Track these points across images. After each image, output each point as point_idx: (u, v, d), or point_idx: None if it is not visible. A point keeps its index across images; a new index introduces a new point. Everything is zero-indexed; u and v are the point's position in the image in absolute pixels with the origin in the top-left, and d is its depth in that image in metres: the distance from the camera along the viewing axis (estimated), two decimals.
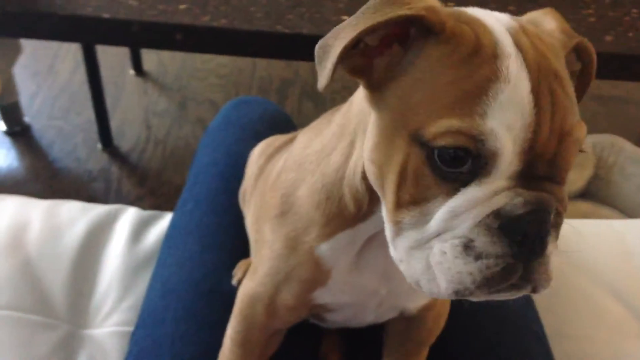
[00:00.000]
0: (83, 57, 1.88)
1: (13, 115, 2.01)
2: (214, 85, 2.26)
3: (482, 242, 0.45)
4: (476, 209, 0.45)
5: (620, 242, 1.01)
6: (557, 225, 0.47)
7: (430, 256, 0.47)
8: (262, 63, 2.34)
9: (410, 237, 0.48)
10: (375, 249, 0.58)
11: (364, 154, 0.51)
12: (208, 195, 0.89)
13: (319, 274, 0.60)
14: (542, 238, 0.45)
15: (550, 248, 0.46)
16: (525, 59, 0.46)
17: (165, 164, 1.97)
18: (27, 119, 2.06)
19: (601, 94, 2.33)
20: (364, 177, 0.53)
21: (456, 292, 0.46)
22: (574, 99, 0.48)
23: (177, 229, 0.88)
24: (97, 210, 1.00)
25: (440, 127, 0.45)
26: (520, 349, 0.78)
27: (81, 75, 2.19)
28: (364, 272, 0.59)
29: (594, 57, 0.54)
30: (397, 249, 0.50)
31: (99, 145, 2.00)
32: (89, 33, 1.47)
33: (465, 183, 0.46)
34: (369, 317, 0.67)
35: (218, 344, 0.71)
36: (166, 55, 2.36)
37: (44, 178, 1.91)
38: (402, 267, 0.50)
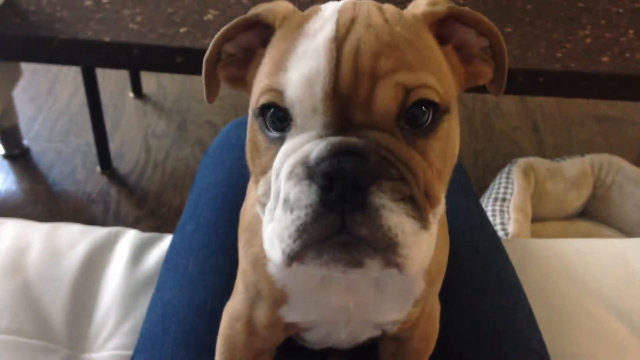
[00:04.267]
0: (83, 80, 1.89)
1: (12, 139, 2.02)
2: (214, 107, 2.27)
3: (293, 194, 0.44)
4: (287, 161, 0.45)
5: (622, 261, 1.01)
6: (391, 177, 0.44)
7: (273, 223, 0.47)
8: None
9: (267, 210, 0.48)
10: None
11: None
12: (209, 216, 0.89)
13: (275, 292, 0.60)
14: (358, 184, 0.43)
15: (377, 200, 0.43)
16: (339, 17, 0.47)
17: (164, 185, 1.97)
18: (26, 142, 2.07)
19: (598, 113, 2.35)
20: None
21: (283, 252, 0.45)
22: (402, 48, 0.46)
23: (177, 251, 0.87)
24: (96, 232, 1.00)
25: (258, 90, 0.48)
26: None
27: (80, 98, 2.20)
28: (328, 288, 0.58)
29: (486, 22, 0.52)
30: (263, 226, 0.50)
31: (98, 168, 2.00)
32: (89, 56, 1.48)
33: (285, 140, 0.47)
34: (341, 334, 0.66)
35: None
36: (166, 77, 2.37)
37: (42, 201, 1.91)
38: (263, 243, 0.49)
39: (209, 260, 0.83)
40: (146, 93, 2.30)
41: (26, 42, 1.46)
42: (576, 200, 1.67)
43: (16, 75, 1.85)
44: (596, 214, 1.70)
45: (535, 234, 1.57)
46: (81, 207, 1.89)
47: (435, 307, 0.70)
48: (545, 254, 1.01)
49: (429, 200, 0.47)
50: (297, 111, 0.45)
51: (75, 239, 0.98)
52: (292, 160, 0.45)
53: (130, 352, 0.85)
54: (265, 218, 0.49)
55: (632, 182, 1.64)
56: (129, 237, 1.00)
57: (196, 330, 0.76)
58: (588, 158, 1.68)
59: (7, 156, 2.02)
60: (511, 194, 1.56)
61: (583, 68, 1.43)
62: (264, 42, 0.53)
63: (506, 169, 1.66)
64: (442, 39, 0.52)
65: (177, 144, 2.11)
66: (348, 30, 0.46)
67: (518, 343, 0.80)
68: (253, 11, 0.53)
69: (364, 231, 0.43)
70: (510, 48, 1.44)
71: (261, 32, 0.52)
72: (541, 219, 1.65)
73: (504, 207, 1.54)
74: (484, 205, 1.57)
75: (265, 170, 0.49)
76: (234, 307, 0.66)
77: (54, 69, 2.35)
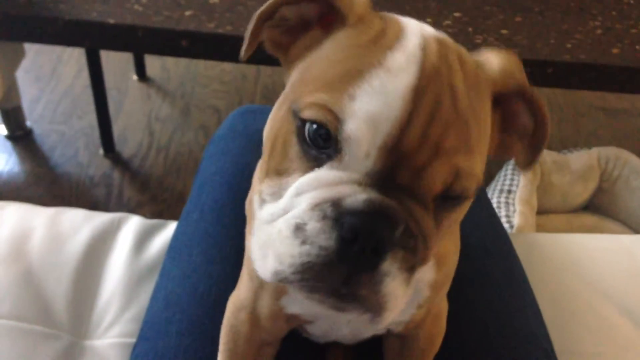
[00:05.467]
0: (87, 62, 1.87)
1: (15, 120, 2.00)
2: (218, 91, 2.25)
3: (311, 227, 0.42)
4: (317, 191, 0.43)
5: (629, 257, 1.00)
6: (409, 249, 0.43)
7: (271, 233, 0.45)
8: (266, 70, 2.34)
9: (267, 210, 0.47)
10: None
11: None
12: (214, 205, 0.88)
13: None
14: (377, 248, 0.42)
15: (387, 267, 0.43)
16: (423, 61, 0.44)
17: (167, 170, 1.96)
18: (29, 123, 2.06)
19: (606, 106, 2.33)
20: None
21: (275, 273, 0.44)
22: (470, 125, 0.44)
23: (181, 240, 0.87)
24: (100, 218, 0.99)
25: (311, 99, 0.44)
26: None
27: (84, 79, 2.18)
28: None
29: (545, 112, 0.51)
30: (256, 221, 0.48)
31: (101, 151, 1.99)
32: (94, 38, 1.46)
33: (320, 164, 0.44)
34: (344, 330, 0.65)
35: None
36: (170, 61, 2.35)
37: (45, 183, 1.90)
38: (251, 240, 0.48)
39: (214, 249, 0.83)
40: (150, 76, 2.29)
41: (30, 22, 1.44)
42: (582, 193, 1.66)
43: (19, 56, 1.84)
44: (602, 207, 1.69)
45: (540, 227, 1.56)
46: (83, 190, 1.89)
47: (443, 307, 0.69)
48: (552, 249, 1.01)
49: (421, 260, 0.46)
50: (350, 149, 0.43)
51: (78, 224, 0.97)
52: (323, 194, 0.43)
53: (132, 340, 0.84)
54: (261, 215, 0.47)
55: (639, 176, 1.63)
56: (133, 223, 0.99)
57: (200, 320, 0.76)
58: (595, 151, 1.67)
59: (9, 137, 2.01)
60: (517, 186, 1.55)
61: (593, 60, 1.41)
62: (322, 19, 0.50)
63: (512, 161, 1.65)
64: (495, 102, 0.50)
65: (180, 128, 2.10)
66: (430, 81, 0.43)
67: (525, 338, 0.79)
68: None
69: (363, 292, 0.43)
70: (519, 38, 1.42)
71: (325, 9, 0.49)
72: (546, 211, 1.64)
73: (510, 199, 1.53)
74: (489, 197, 1.56)
75: (281, 172, 0.47)
76: (238, 296, 0.66)
77: (57, 49, 2.33)
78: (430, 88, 0.43)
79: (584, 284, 0.95)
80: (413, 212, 0.43)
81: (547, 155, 1.65)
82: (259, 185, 0.49)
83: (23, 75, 2.20)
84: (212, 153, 0.98)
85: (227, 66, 2.34)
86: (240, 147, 0.95)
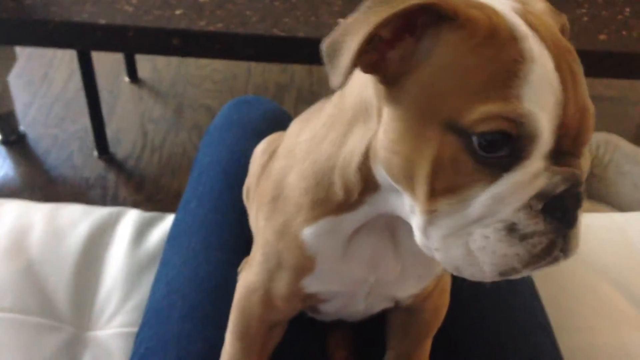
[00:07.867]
0: (78, 65, 1.88)
1: (8, 125, 2.01)
2: (210, 91, 2.26)
3: (525, 224, 0.46)
4: (519, 193, 0.46)
5: (621, 234, 1.02)
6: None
7: (471, 242, 0.48)
8: (257, 69, 2.35)
9: (445, 225, 0.48)
10: (363, 238, 0.58)
11: (382, 148, 0.50)
12: (211, 193, 0.89)
13: (304, 260, 0.60)
14: (577, 210, 0.47)
15: (579, 216, 0.48)
16: (541, 39, 0.47)
17: (161, 170, 1.97)
18: (22, 127, 2.06)
19: (595, 93, 2.34)
20: (360, 168, 0.53)
21: (502, 274, 0.48)
22: (582, 71, 0.49)
23: (180, 228, 0.88)
24: (98, 212, 1.00)
25: (480, 113, 0.44)
26: (527, 339, 0.79)
27: (76, 83, 2.19)
28: (351, 260, 0.59)
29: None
30: (431, 238, 0.50)
31: (95, 153, 2.00)
32: (85, 39, 1.47)
33: (505, 167, 0.46)
34: (360, 306, 0.66)
35: (223, 341, 0.71)
36: (161, 62, 2.36)
37: (40, 186, 1.91)
38: (438, 255, 0.50)
39: (212, 236, 0.84)
40: (141, 77, 2.30)
41: (21, 25, 1.45)
42: None
43: (11, 60, 1.85)
44: (594, 192, 1.71)
45: None
46: (79, 192, 1.89)
47: (447, 280, 0.70)
48: None
49: None
50: (533, 146, 0.46)
51: (77, 218, 0.98)
52: (527, 193, 0.46)
53: (134, 329, 0.85)
54: (440, 231, 0.49)
55: (630, 160, 1.65)
56: (131, 216, 1.00)
57: (202, 304, 0.77)
58: None
59: (3, 142, 2.02)
60: None
61: (581, 46, 1.42)
62: (407, 27, 0.48)
63: None
64: None
65: (173, 129, 2.11)
66: (557, 56, 0.46)
67: (521, 313, 0.81)
68: None
69: (574, 245, 0.49)
70: None
71: (412, 15, 0.48)
72: None
73: None
74: None
75: (456, 188, 0.47)
76: (249, 279, 0.66)
77: (48, 54, 2.34)
78: (562, 62, 0.46)
79: (578, 261, 0.97)
80: (580, 168, 0.48)
81: None
82: (428, 206, 0.49)
83: (15, 81, 2.20)
84: (208, 143, 0.99)
85: (218, 66, 2.35)
86: (236, 137, 0.97)
